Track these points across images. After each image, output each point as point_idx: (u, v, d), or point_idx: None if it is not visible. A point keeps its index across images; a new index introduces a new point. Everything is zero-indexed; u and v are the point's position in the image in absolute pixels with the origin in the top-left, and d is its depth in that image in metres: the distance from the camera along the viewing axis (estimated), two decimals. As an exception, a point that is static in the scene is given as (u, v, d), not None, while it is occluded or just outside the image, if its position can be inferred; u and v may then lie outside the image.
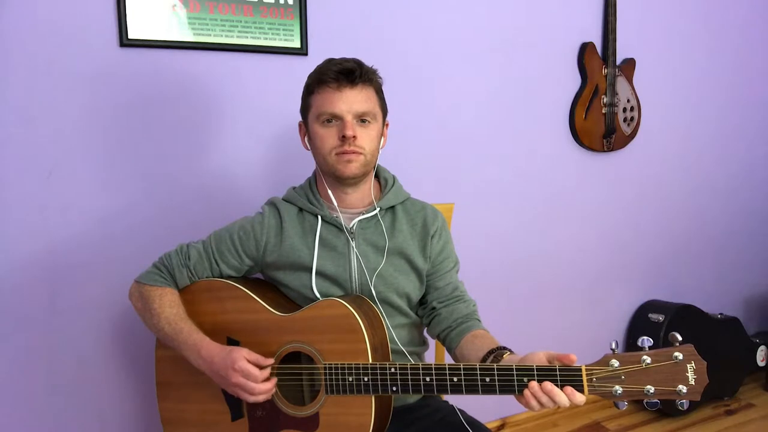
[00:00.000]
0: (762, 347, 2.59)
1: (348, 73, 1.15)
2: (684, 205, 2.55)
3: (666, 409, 2.32)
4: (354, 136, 1.15)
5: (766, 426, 2.31)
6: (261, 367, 1.10)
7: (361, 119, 1.17)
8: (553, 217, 2.23)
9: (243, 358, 1.09)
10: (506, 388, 0.98)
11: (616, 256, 2.41)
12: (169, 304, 1.20)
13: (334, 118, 1.16)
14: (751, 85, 2.64)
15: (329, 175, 1.22)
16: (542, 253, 2.23)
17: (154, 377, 1.31)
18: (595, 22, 2.20)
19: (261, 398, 1.10)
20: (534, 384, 0.95)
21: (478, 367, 0.99)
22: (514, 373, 0.96)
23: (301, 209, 1.26)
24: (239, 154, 1.67)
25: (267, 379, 1.11)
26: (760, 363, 2.59)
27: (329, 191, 1.24)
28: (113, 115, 1.51)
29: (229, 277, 1.26)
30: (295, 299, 1.25)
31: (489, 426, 1.43)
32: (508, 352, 1.07)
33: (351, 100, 1.15)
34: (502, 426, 2.22)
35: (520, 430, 2.24)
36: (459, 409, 1.25)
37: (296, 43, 1.68)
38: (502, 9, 2.01)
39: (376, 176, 1.30)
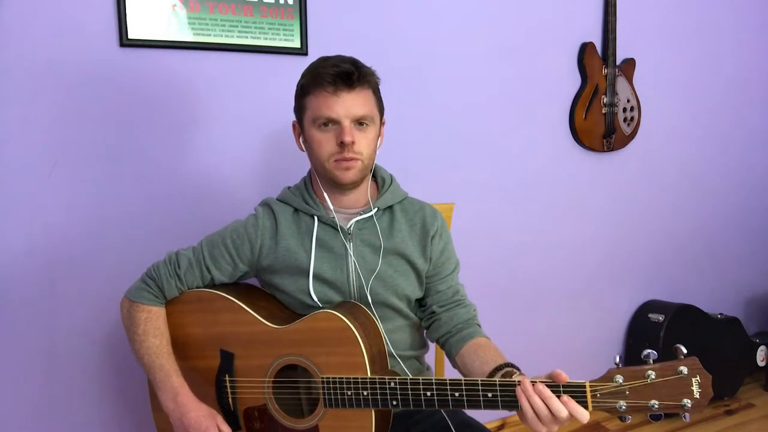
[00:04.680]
0: (762, 347, 2.59)
1: (346, 76, 1.11)
2: (684, 205, 2.55)
3: (666, 409, 2.32)
4: (352, 142, 1.12)
5: (766, 426, 2.31)
6: None
7: (359, 122, 1.14)
8: (553, 217, 2.23)
9: (216, 426, 1.11)
10: (509, 404, 0.96)
11: (616, 256, 2.41)
12: (153, 332, 1.17)
13: (331, 122, 1.13)
14: (751, 85, 2.64)
15: (326, 180, 1.19)
16: (542, 252, 2.23)
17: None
18: (595, 22, 2.20)
19: None
20: (526, 381, 0.92)
21: (479, 382, 0.97)
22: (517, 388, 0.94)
23: (296, 210, 1.23)
24: (239, 154, 1.67)
25: None
26: (760, 363, 2.59)
27: (325, 194, 1.21)
28: (113, 114, 1.51)
29: (222, 284, 1.23)
30: (290, 304, 1.22)
31: (489, 426, 1.42)
32: (517, 372, 1.04)
33: (348, 105, 1.11)
34: (501, 426, 2.22)
35: (520, 430, 2.24)
36: (459, 410, 1.24)
37: (296, 43, 1.68)
38: (502, 9, 2.01)
39: (374, 176, 1.27)
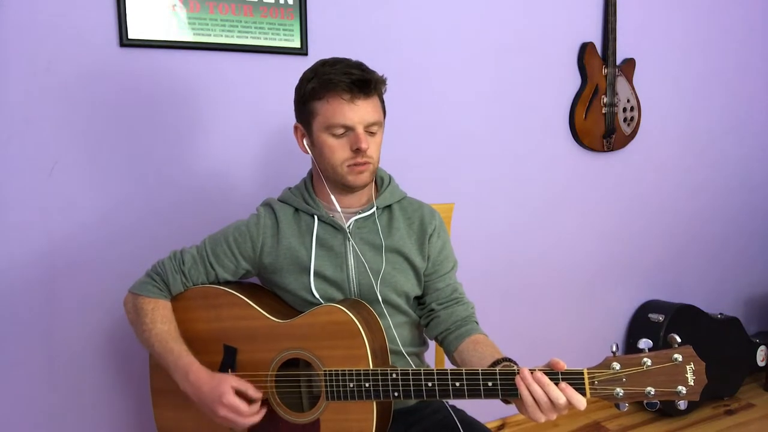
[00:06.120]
0: (762, 347, 2.59)
1: (362, 84, 1.12)
2: (684, 205, 2.55)
3: (666, 409, 2.32)
4: (367, 148, 1.14)
5: (766, 426, 2.31)
6: (249, 400, 1.10)
7: (369, 127, 1.16)
8: (553, 217, 2.23)
9: (231, 390, 1.09)
10: (508, 393, 0.97)
11: (616, 256, 2.41)
12: (161, 319, 1.19)
13: (346, 129, 1.15)
14: (751, 85, 2.64)
15: (335, 183, 1.21)
16: (542, 253, 2.23)
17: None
18: (595, 22, 2.20)
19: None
20: (525, 370, 0.94)
21: (480, 371, 0.99)
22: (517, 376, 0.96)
23: (297, 209, 1.25)
24: (239, 154, 1.67)
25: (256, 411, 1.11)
26: (760, 363, 2.59)
27: (331, 195, 1.22)
28: (113, 115, 1.51)
29: (226, 282, 1.25)
30: (292, 303, 1.24)
31: (489, 426, 1.43)
32: (515, 366, 1.05)
33: (363, 112, 1.14)
34: (502, 426, 2.22)
35: (520, 430, 2.24)
36: (459, 410, 1.25)
37: (296, 43, 1.68)
38: (502, 9, 2.01)
39: None
